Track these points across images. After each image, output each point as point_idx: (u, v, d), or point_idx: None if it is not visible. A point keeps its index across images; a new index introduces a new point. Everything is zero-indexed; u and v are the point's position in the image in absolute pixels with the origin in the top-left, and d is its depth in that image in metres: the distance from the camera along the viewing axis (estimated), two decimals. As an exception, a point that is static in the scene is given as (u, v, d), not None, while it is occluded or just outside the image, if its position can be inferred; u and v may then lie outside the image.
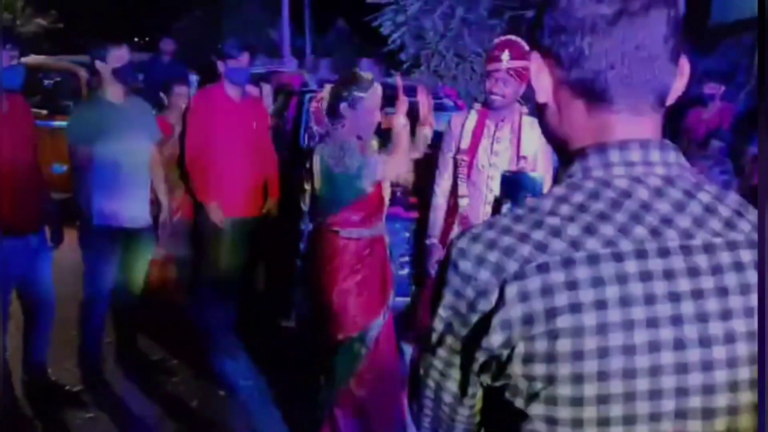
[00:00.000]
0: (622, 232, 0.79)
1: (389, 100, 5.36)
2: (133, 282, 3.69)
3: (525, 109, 3.26)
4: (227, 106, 3.78)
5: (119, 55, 3.35)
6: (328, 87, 3.03)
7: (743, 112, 5.64)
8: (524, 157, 3.16)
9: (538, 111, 0.93)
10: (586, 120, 0.86)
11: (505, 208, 2.60)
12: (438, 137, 3.69)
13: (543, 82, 0.88)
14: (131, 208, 3.49)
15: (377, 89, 2.96)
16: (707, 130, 5.28)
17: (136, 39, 23.72)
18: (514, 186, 1.23)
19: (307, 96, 4.73)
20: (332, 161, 2.87)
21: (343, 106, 2.89)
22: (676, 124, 5.85)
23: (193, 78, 7.57)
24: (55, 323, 3.49)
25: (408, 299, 3.67)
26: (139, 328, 3.99)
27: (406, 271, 3.72)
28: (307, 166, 2.98)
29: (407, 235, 3.70)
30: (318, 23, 17.15)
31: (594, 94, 0.84)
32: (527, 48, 3.14)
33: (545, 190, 0.90)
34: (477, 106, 3.32)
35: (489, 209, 3.21)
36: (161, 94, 4.58)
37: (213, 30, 17.21)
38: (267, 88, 4.59)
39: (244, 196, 3.84)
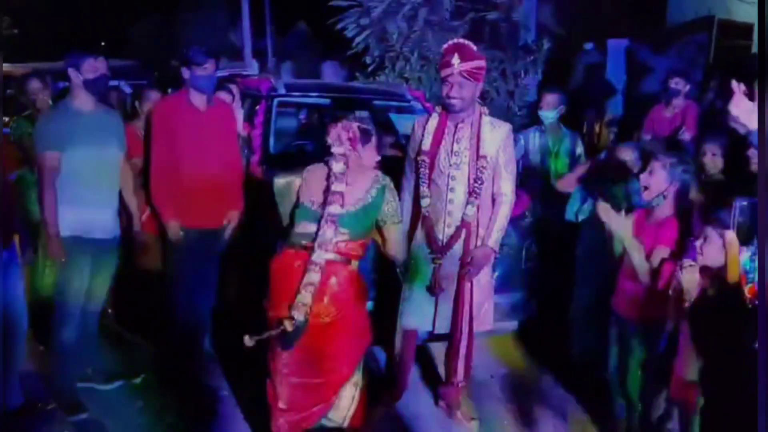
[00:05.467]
0: None
1: (357, 103, 5.40)
2: (94, 293, 3.54)
3: (485, 110, 3.34)
4: (192, 114, 3.67)
5: (94, 66, 3.29)
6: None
7: (703, 110, 5.65)
8: (483, 157, 3.24)
9: None
10: None
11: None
12: (405, 140, 3.75)
13: None
14: (101, 219, 3.42)
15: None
16: (672, 127, 5.25)
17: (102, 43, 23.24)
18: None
19: (276, 101, 4.76)
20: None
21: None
22: (639, 120, 5.83)
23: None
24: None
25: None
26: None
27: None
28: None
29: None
30: (279, 25, 17.02)
31: None
32: (475, 48, 3.24)
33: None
34: (438, 108, 3.40)
35: (450, 208, 3.32)
36: (135, 103, 4.34)
37: (171, 31, 16.90)
38: (236, 92, 4.43)
39: (208, 207, 3.72)
